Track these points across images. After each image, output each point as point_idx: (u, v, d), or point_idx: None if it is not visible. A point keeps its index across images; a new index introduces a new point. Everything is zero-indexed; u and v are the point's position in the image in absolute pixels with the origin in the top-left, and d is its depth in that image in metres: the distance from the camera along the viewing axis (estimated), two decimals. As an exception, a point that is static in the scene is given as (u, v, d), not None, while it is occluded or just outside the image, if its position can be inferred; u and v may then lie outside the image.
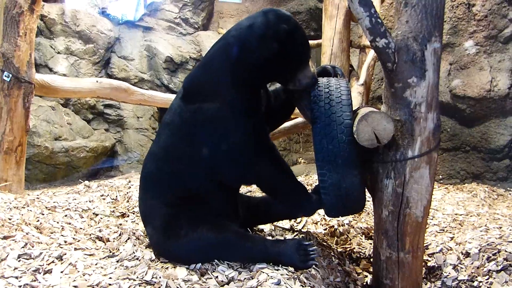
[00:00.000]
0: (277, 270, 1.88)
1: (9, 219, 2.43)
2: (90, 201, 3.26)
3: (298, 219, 3.00)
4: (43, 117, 5.52)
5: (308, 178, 5.02)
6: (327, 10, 4.60)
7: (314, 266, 1.99)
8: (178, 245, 2.00)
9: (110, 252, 2.17)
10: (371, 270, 2.38)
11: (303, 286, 1.81)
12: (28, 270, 1.82)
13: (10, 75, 3.42)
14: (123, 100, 3.95)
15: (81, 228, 2.58)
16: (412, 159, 2.00)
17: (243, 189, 3.35)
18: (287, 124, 4.16)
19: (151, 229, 2.16)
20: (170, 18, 6.76)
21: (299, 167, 6.77)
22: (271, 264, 1.94)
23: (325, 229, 2.98)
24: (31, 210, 2.76)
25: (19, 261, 1.91)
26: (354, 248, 2.78)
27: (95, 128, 6.14)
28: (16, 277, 1.75)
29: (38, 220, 2.60)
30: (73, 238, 2.32)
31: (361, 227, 3.08)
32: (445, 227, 3.08)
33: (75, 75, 5.92)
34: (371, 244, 2.80)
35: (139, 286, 1.75)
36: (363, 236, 2.99)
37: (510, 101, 5.20)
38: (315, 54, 6.09)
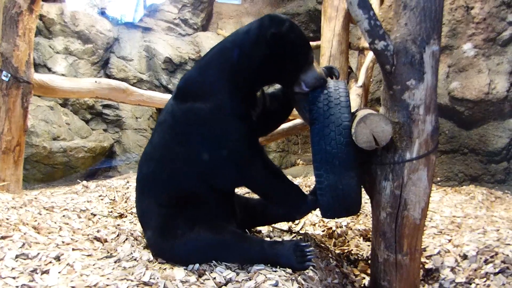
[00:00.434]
0: (275, 271, 1.88)
1: (7, 219, 2.43)
2: (88, 202, 3.26)
3: (296, 221, 3.00)
4: (41, 117, 5.51)
5: (306, 179, 5.03)
6: (326, 12, 4.61)
7: (311, 267, 2.00)
8: (175, 246, 2.00)
9: (108, 252, 2.17)
10: (369, 272, 2.38)
11: (300, 288, 1.81)
12: (25, 271, 1.81)
13: (9, 75, 3.42)
14: (121, 101, 3.95)
15: (79, 229, 2.57)
16: (410, 161, 2.00)
17: (242, 190, 3.35)
18: (285, 125, 4.17)
19: (148, 230, 2.16)
20: (169, 18, 6.77)
21: (297, 168, 6.77)
22: (268, 265, 1.94)
23: (323, 231, 2.98)
24: (29, 210, 2.76)
25: (16, 261, 1.90)
26: (352, 250, 2.78)
27: (93, 128, 6.14)
28: (14, 277, 1.75)
29: (35, 220, 2.60)
30: (71, 239, 2.32)
31: (359, 229, 3.09)
32: (443, 229, 3.09)
33: (74, 75, 5.91)
34: (369, 246, 2.80)
35: (137, 287, 1.75)
36: (361, 238, 2.99)
37: (508, 103, 5.21)
38: (314, 55, 6.08)
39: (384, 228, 2.10)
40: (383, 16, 5.99)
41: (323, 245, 2.64)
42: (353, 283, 2.36)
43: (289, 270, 1.91)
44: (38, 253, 1.99)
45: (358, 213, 3.31)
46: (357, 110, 2.19)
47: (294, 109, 2.41)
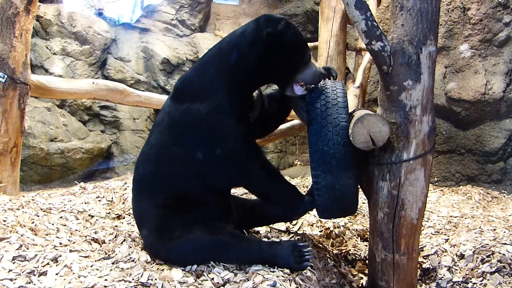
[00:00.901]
0: (273, 272, 1.88)
1: (4, 220, 2.42)
2: (85, 203, 3.25)
3: (294, 221, 3.00)
4: (38, 118, 5.49)
5: (304, 180, 5.03)
6: (323, 13, 4.62)
7: (309, 268, 2.00)
8: (172, 248, 2.00)
9: (106, 254, 2.16)
10: (367, 272, 2.39)
11: (298, 288, 1.81)
12: (22, 272, 1.81)
13: (6, 76, 3.41)
14: (119, 102, 3.94)
15: (76, 230, 2.56)
16: (407, 161, 2.01)
17: (239, 191, 3.35)
18: (283, 126, 4.17)
19: (145, 231, 2.15)
20: (166, 19, 6.76)
21: (295, 169, 6.78)
22: (266, 265, 1.94)
23: (320, 231, 2.98)
24: (26, 212, 2.75)
25: (13, 263, 1.90)
26: (349, 250, 2.79)
27: (91, 130, 6.13)
28: (11, 279, 1.75)
29: (33, 222, 2.59)
30: (69, 240, 2.31)
31: (356, 229, 3.09)
32: (440, 229, 3.10)
33: (71, 76, 5.90)
34: (366, 246, 2.81)
35: (135, 288, 1.75)
36: (359, 238, 3.00)
37: (505, 104, 5.24)
38: (312, 56, 6.09)
39: (382, 228, 2.11)
40: (380, 16, 6.01)
41: (320, 245, 2.65)
42: (351, 283, 2.36)
43: (287, 271, 1.91)
44: (36, 255, 1.98)
45: (356, 213, 3.32)
46: (354, 111, 2.19)
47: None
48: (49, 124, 5.57)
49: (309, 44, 2.35)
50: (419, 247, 2.35)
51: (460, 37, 5.49)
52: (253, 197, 2.41)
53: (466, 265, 2.44)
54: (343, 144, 1.93)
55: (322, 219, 3.06)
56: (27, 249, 2.08)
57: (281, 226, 2.89)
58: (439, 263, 2.53)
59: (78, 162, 5.71)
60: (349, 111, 2.08)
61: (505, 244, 2.52)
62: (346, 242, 2.89)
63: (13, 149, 3.53)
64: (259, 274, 1.85)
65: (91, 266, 1.98)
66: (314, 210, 2.20)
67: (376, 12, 4.94)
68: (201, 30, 7.06)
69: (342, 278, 2.32)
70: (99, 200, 3.39)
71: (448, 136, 5.66)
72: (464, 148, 5.58)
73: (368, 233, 2.72)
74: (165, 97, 4.15)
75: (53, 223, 2.62)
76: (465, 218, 3.36)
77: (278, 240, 2.36)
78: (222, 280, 1.83)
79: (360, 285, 2.43)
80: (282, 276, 1.85)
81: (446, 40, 5.55)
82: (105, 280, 1.82)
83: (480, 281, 2.30)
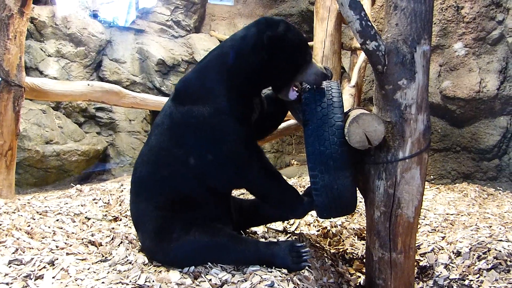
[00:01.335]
0: (270, 272, 1.89)
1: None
2: (82, 205, 3.23)
3: (291, 221, 3.00)
4: (33, 121, 5.46)
5: (301, 180, 5.04)
6: (318, 13, 4.63)
7: (307, 267, 2.00)
8: (170, 249, 2.00)
9: (103, 256, 2.16)
10: (364, 270, 2.40)
11: (296, 288, 1.81)
12: (19, 276, 1.80)
13: (0, 79, 3.39)
14: (115, 103, 3.94)
15: (73, 233, 2.56)
16: (403, 160, 2.02)
17: (236, 192, 3.35)
18: (280, 126, 4.17)
19: (143, 233, 2.15)
20: (162, 20, 6.75)
21: (291, 168, 6.78)
22: (264, 266, 1.94)
23: (318, 231, 2.99)
24: (21, 215, 2.74)
25: (9, 267, 1.89)
26: (347, 249, 2.80)
27: (86, 132, 6.10)
28: (7, 283, 1.74)
29: (29, 225, 2.58)
30: (65, 243, 2.31)
31: (353, 228, 3.10)
32: (437, 226, 3.12)
33: (66, 78, 5.86)
34: (363, 244, 2.82)
35: (132, 290, 1.75)
36: (356, 237, 3.01)
37: (499, 101, 5.27)
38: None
39: (379, 227, 2.11)
40: (375, 16, 6.03)
41: (318, 244, 2.65)
42: (348, 282, 2.37)
43: (284, 271, 1.92)
44: (32, 258, 1.98)
45: (353, 212, 3.33)
46: (350, 110, 2.20)
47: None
48: (44, 126, 5.54)
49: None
50: (416, 245, 2.36)
51: (454, 35, 5.51)
52: (251, 197, 2.41)
53: (463, 262, 2.45)
54: (340, 144, 1.94)
55: (319, 219, 3.07)
56: (23, 252, 2.08)
57: (279, 226, 2.90)
58: (436, 260, 2.54)
59: (74, 164, 5.68)
60: (345, 111, 2.09)
61: (501, 241, 2.54)
62: (343, 241, 2.90)
63: (8, 152, 3.51)
64: (256, 274, 1.86)
65: (88, 269, 1.97)
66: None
67: (370, 12, 4.96)
68: (196, 31, 7.05)
69: (339, 277, 2.33)
70: (96, 202, 3.38)
71: (444, 134, 5.68)
72: (460, 146, 5.60)
73: (365, 232, 2.73)
74: (161, 99, 4.15)
75: (49, 226, 2.61)
76: (461, 215, 3.37)
77: (275, 240, 2.37)
78: (220, 281, 1.83)
79: (357, 284, 2.43)
80: (280, 276, 1.86)
81: (440, 38, 5.57)
82: (102, 283, 1.81)
83: (476, 278, 2.32)
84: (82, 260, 2.09)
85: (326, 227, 3.02)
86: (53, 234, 2.49)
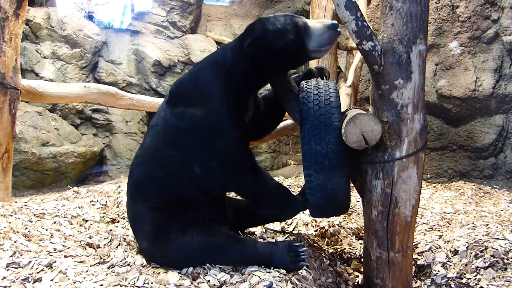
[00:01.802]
0: (269, 272, 1.89)
1: (-3, 227, 2.40)
2: (79, 207, 3.23)
3: (289, 221, 3.01)
4: (29, 123, 5.45)
5: (298, 179, 5.04)
6: (314, 13, 4.64)
7: (305, 267, 2.01)
8: (168, 250, 2.00)
9: (101, 258, 2.16)
10: (362, 270, 2.40)
11: (295, 288, 1.82)
12: (17, 279, 1.80)
13: (-4, 81, 3.38)
14: (111, 105, 3.93)
15: (70, 235, 2.55)
16: (400, 159, 2.02)
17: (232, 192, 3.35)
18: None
19: (140, 234, 2.15)
20: (157, 21, 6.74)
21: (288, 168, 6.79)
22: (262, 266, 1.95)
23: (315, 230, 3.00)
24: (19, 218, 2.73)
25: (7, 270, 1.88)
26: (345, 248, 2.80)
27: (83, 133, 6.08)
28: (5, 287, 1.74)
29: (26, 228, 2.57)
30: (63, 245, 2.30)
31: (351, 228, 3.11)
32: (434, 225, 3.13)
33: (62, 79, 5.85)
34: (361, 244, 2.83)
35: (131, 292, 1.75)
36: (354, 236, 3.02)
37: (494, 100, 5.29)
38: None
39: (376, 226, 2.12)
40: (371, 15, 6.05)
41: (316, 244, 2.66)
42: (346, 281, 2.38)
43: (283, 271, 1.92)
44: (30, 261, 1.97)
45: (350, 212, 3.34)
46: (347, 110, 2.21)
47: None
48: (40, 128, 5.52)
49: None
50: (414, 244, 2.37)
51: (450, 34, 5.53)
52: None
53: (460, 260, 2.46)
54: (336, 144, 1.94)
55: (317, 219, 3.07)
56: (21, 255, 2.07)
57: (276, 226, 2.90)
58: (433, 259, 2.55)
59: (70, 166, 5.66)
60: (342, 111, 2.10)
61: (497, 239, 2.55)
62: (341, 241, 2.90)
63: (4, 154, 3.50)
64: (255, 275, 1.86)
65: (87, 271, 1.97)
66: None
67: (366, 11, 4.97)
68: (192, 32, 7.05)
69: (338, 277, 2.33)
70: (93, 204, 3.37)
71: (440, 133, 5.71)
72: (456, 145, 5.63)
73: (362, 232, 2.74)
74: (157, 100, 4.15)
75: (46, 228, 2.60)
76: (458, 214, 3.39)
77: (273, 240, 2.37)
78: (219, 282, 1.83)
79: (355, 283, 2.44)
80: (278, 277, 1.86)
81: (436, 37, 5.59)
82: (101, 285, 1.81)
83: (474, 276, 2.33)
84: (80, 262, 2.09)
85: (324, 227, 3.03)
86: (51, 236, 2.48)
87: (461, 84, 5.39)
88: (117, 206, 3.33)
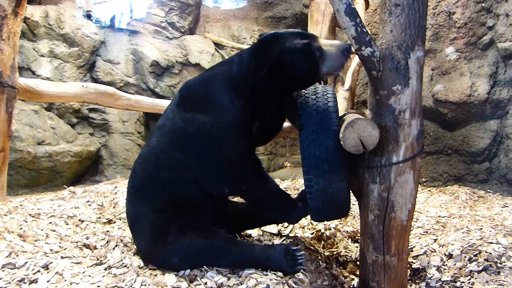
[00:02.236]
0: (266, 275, 1.90)
1: (-8, 227, 2.40)
2: (75, 208, 3.22)
3: (286, 224, 3.02)
4: (25, 121, 5.42)
5: (295, 182, 5.06)
6: (312, 16, 4.66)
7: (302, 270, 2.02)
8: (167, 251, 2.00)
9: (98, 259, 2.16)
10: (358, 273, 2.42)
11: (291, 291, 1.83)
12: (13, 280, 1.79)
13: (-7, 80, 3.37)
14: (109, 105, 3.93)
15: (66, 236, 2.55)
16: (397, 164, 2.04)
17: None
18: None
19: (139, 234, 2.15)
20: (156, 22, 6.74)
21: (285, 170, 6.80)
22: (259, 269, 1.95)
23: (312, 233, 3.01)
24: (14, 218, 2.72)
25: (3, 271, 1.88)
26: (341, 251, 2.82)
27: (79, 133, 6.06)
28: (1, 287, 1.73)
29: (21, 228, 2.56)
30: (59, 246, 2.29)
31: (347, 231, 3.12)
32: (429, 229, 3.15)
33: (59, 78, 5.83)
34: (357, 247, 2.84)
35: (128, 293, 1.75)
36: (350, 239, 3.03)
37: (489, 105, 5.34)
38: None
39: (372, 230, 2.14)
40: (369, 20, 6.08)
41: (312, 247, 2.67)
42: (342, 284, 2.39)
43: (280, 274, 1.93)
44: (26, 262, 1.97)
45: (346, 216, 3.35)
46: (344, 114, 2.22)
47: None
48: (36, 127, 5.50)
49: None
50: (409, 247, 2.39)
51: (446, 40, 5.58)
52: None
53: (455, 264, 2.48)
54: (335, 148, 1.96)
55: (313, 222, 3.09)
56: (17, 256, 2.07)
57: (273, 229, 2.91)
58: (428, 263, 2.57)
59: (66, 165, 5.64)
60: (340, 115, 2.11)
61: (491, 243, 2.58)
62: (337, 244, 2.92)
63: (0, 153, 3.48)
64: (252, 277, 1.87)
65: (83, 273, 1.97)
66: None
67: (364, 16, 5.00)
68: (190, 33, 7.05)
69: (334, 280, 2.35)
70: (89, 205, 3.37)
71: (436, 137, 5.75)
72: (451, 149, 5.67)
73: (358, 235, 2.76)
74: (156, 101, 4.15)
75: (42, 228, 2.59)
76: (453, 218, 3.42)
77: (270, 243, 2.38)
78: (216, 284, 1.84)
79: (351, 287, 2.46)
80: (275, 279, 1.87)
81: (433, 43, 5.64)
82: (98, 286, 1.81)
83: (468, 279, 2.35)
84: (77, 263, 2.08)
85: (320, 230, 3.04)
86: (46, 237, 2.48)
87: (457, 89, 5.43)
88: (114, 207, 3.33)
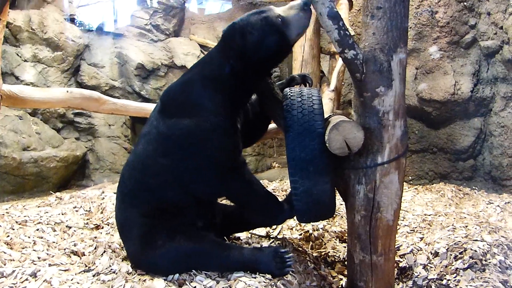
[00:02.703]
0: (255, 278, 1.91)
1: (-22, 236, 2.37)
2: (62, 214, 3.20)
3: (274, 226, 3.04)
4: (10, 127, 5.35)
5: (282, 183, 5.08)
6: (297, 18, 4.67)
7: (290, 272, 2.04)
8: (155, 256, 2.01)
9: (86, 266, 2.15)
10: (346, 273, 2.45)
11: (280, 293, 1.85)
12: (1, 289, 1.78)
13: (-25, 86, 3.31)
14: (94, 110, 3.88)
15: (54, 242, 2.53)
16: (381, 165, 2.07)
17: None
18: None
19: (128, 239, 2.16)
20: (140, 24, 6.69)
21: (273, 171, 6.82)
22: (248, 272, 1.97)
23: (300, 234, 3.03)
24: (0, 226, 2.69)
25: (-10, 280, 1.86)
26: (329, 252, 2.84)
27: (65, 137, 5.99)
28: (-12, 297, 1.72)
29: (8, 236, 2.54)
30: (47, 254, 2.28)
31: (335, 231, 3.15)
32: (415, 227, 3.20)
33: (43, 83, 5.75)
34: (345, 247, 2.87)
35: (117, 300, 1.75)
36: (338, 239, 3.06)
37: (473, 103, 5.43)
38: (287, 59, 6.16)
39: (359, 230, 2.17)
40: (353, 20, 6.14)
41: (300, 248, 2.69)
42: (330, 284, 2.42)
43: (268, 276, 1.95)
44: (14, 271, 1.95)
45: (334, 215, 3.38)
46: (330, 116, 2.25)
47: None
48: (21, 132, 5.43)
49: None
50: (396, 246, 2.42)
51: (429, 39, 5.66)
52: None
53: (440, 262, 2.53)
54: (320, 150, 1.98)
55: (301, 223, 3.11)
56: (4, 265, 2.05)
57: (262, 231, 2.93)
58: (415, 261, 2.61)
59: (52, 170, 5.58)
60: (325, 116, 2.14)
61: (476, 240, 2.63)
62: (325, 244, 2.95)
63: (-16, 161, 3.43)
64: (241, 280, 1.88)
65: (72, 280, 1.96)
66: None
67: (348, 16, 5.05)
68: (175, 35, 7.02)
69: (322, 280, 2.37)
70: (77, 211, 3.34)
71: (421, 136, 5.83)
72: (436, 147, 5.75)
73: (346, 235, 2.79)
74: (142, 105, 4.12)
75: (29, 236, 2.57)
76: (439, 216, 3.47)
77: (259, 245, 2.40)
78: (205, 288, 1.85)
79: (340, 287, 2.48)
80: (264, 282, 1.88)
81: (416, 42, 5.71)
82: (86, 293, 1.80)
83: (454, 277, 2.39)
84: (65, 271, 2.07)
85: (308, 231, 3.07)
86: (34, 244, 2.46)
87: (441, 88, 5.52)
88: (101, 212, 3.31)
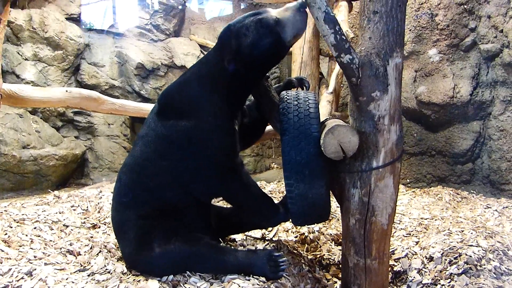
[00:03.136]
0: (248, 280, 1.93)
1: (-25, 234, 2.38)
2: (60, 213, 3.21)
3: (270, 228, 3.04)
4: (10, 125, 5.37)
5: (280, 185, 5.08)
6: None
7: (284, 275, 2.05)
8: (151, 258, 2.02)
9: (81, 266, 2.16)
10: (340, 276, 2.45)
11: (273, 295, 1.86)
12: (-4, 288, 1.79)
13: (-25, 85, 3.33)
14: (93, 110, 3.89)
15: (51, 241, 2.54)
16: (377, 169, 2.08)
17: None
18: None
19: (124, 241, 2.16)
20: (141, 24, 6.71)
21: (271, 172, 6.84)
22: (242, 274, 1.98)
23: (296, 237, 3.04)
24: (-2, 224, 2.71)
25: (-14, 278, 1.88)
26: (324, 254, 2.85)
27: (64, 136, 6.01)
28: (-16, 296, 1.73)
29: (6, 233, 2.56)
30: (43, 253, 2.29)
31: (330, 234, 3.16)
32: (412, 231, 3.20)
33: (43, 82, 5.78)
34: (340, 250, 2.88)
35: (111, 301, 1.76)
36: (333, 242, 3.07)
37: (472, 107, 5.43)
38: (286, 61, 6.18)
39: (354, 234, 2.18)
40: (352, 22, 6.15)
41: (295, 251, 2.70)
42: (325, 287, 2.43)
43: (262, 279, 1.96)
44: (10, 269, 1.97)
45: (330, 218, 3.39)
46: (326, 120, 2.26)
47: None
48: (21, 130, 5.45)
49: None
50: (391, 250, 2.43)
51: (429, 42, 5.66)
52: (229, 205, 2.45)
53: (435, 267, 2.53)
54: (315, 154, 1.99)
55: (296, 226, 3.11)
56: (1, 263, 2.06)
57: (257, 233, 2.94)
58: (409, 265, 2.62)
59: (51, 169, 5.60)
60: (322, 119, 2.15)
61: (471, 245, 2.63)
62: (320, 247, 2.95)
63: (-17, 159, 3.44)
64: (234, 282, 1.89)
65: (67, 279, 1.97)
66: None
67: (347, 18, 5.05)
68: (176, 35, 7.03)
69: (316, 283, 2.38)
70: (74, 210, 3.36)
71: (419, 139, 5.83)
72: (435, 150, 5.75)
73: (341, 238, 2.79)
74: (141, 105, 4.14)
75: (26, 234, 2.59)
76: (435, 220, 3.47)
77: (254, 248, 2.41)
78: (198, 290, 1.86)
79: (334, 289, 2.49)
80: (258, 284, 1.90)
81: (416, 45, 5.71)
82: (81, 293, 1.82)
83: (448, 282, 2.40)
84: (61, 270, 2.09)
85: (304, 233, 3.07)
86: (31, 242, 2.47)
87: (440, 91, 5.51)
88: (98, 212, 3.32)
